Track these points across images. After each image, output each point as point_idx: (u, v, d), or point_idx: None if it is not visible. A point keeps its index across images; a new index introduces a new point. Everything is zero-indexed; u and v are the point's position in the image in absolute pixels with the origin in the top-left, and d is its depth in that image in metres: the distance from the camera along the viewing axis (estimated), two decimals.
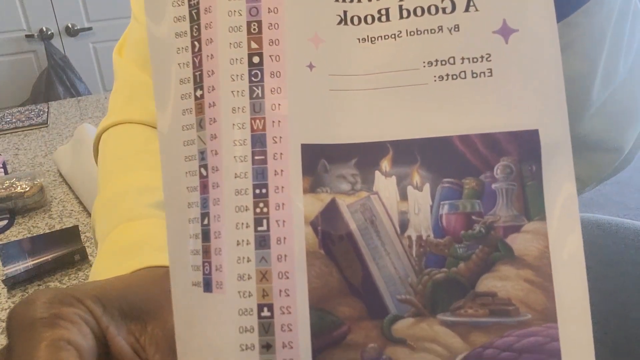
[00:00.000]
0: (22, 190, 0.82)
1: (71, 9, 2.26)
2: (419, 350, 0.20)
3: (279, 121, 0.21)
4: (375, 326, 0.20)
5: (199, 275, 0.21)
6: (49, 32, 2.23)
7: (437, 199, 0.21)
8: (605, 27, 0.29)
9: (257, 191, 0.21)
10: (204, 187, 0.21)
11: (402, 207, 0.21)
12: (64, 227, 0.77)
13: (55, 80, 2.14)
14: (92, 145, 0.57)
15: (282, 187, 0.21)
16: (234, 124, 0.21)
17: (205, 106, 0.22)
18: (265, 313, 0.20)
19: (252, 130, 0.21)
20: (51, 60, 2.18)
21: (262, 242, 0.21)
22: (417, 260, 0.21)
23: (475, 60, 0.21)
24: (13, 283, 0.64)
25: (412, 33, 0.21)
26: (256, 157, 0.21)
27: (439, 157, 0.21)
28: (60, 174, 0.94)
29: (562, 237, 0.20)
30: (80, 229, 0.73)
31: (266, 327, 0.20)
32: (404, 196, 0.21)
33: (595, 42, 0.29)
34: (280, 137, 0.21)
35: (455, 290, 0.20)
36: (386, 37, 0.22)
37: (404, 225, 0.21)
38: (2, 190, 0.81)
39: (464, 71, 0.21)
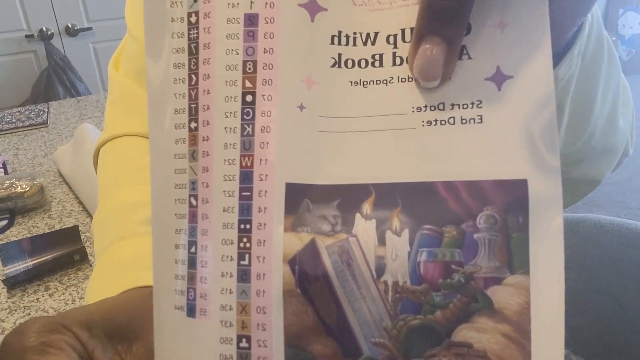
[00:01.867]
0: (22, 190, 0.81)
1: (71, 9, 2.22)
2: None
3: (266, 159, 0.22)
4: None
5: (183, 299, 0.22)
6: (49, 32, 2.20)
7: (415, 246, 0.21)
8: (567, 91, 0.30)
9: (242, 226, 0.22)
10: (193, 217, 0.23)
11: (380, 251, 0.21)
12: (63, 227, 0.76)
13: (55, 81, 2.11)
14: (92, 160, 0.59)
15: (265, 224, 0.21)
16: (225, 160, 0.22)
17: (199, 139, 0.23)
18: (244, 344, 0.21)
19: (241, 166, 0.22)
20: (51, 60, 2.15)
21: (244, 276, 0.21)
22: (393, 306, 0.21)
23: (465, 106, 0.21)
24: (13, 283, 0.64)
25: (403, 80, 0.21)
26: (243, 193, 0.22)
27: (420, 202, 0.21)
28: (60, 174, 0.93)
29: (544, 294, 0.20)
30: (80, 229, 0.72)
31: (244, 358, 0.21)
32: (382, 241, 0.21)
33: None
34: (266, 175, 0.22)
35: (430, 338, 0.20)
36: (378, 82, 0.22)
37: (380, 270, 0.21)
38: (2, 190, 0.81)
39: (453, 117, 0.21)
